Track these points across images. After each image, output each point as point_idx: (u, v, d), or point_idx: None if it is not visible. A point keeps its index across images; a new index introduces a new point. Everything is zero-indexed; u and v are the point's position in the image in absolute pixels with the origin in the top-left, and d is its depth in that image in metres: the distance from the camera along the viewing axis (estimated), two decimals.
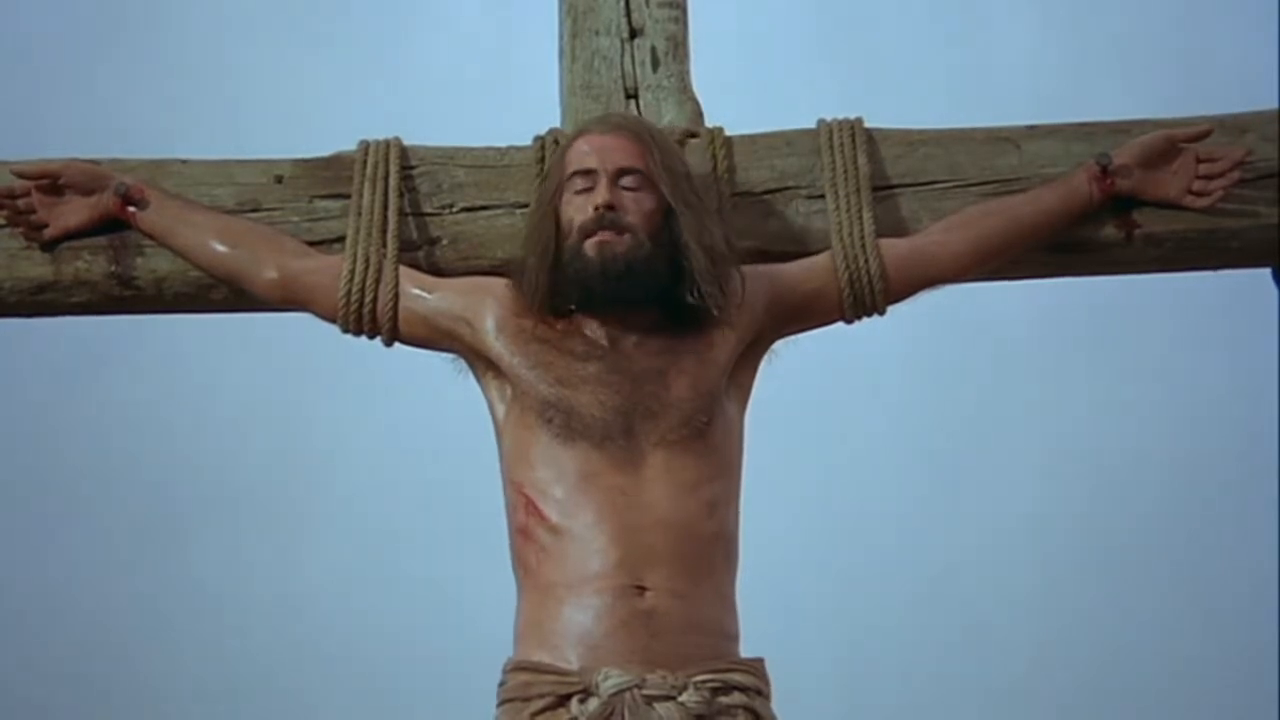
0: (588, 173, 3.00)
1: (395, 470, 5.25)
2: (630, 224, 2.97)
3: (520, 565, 2.96)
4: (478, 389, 3.10)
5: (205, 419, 5.26)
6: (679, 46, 3.39)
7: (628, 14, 3.39)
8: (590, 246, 2.97)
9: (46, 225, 3.20)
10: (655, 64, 3.37)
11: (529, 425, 2.97)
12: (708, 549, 2.93)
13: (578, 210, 3.00)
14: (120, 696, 5.16)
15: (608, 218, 2.97)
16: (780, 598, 4.74)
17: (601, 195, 2.97)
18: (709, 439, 2.96)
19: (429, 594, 5.17)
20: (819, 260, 3.16)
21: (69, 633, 5.16)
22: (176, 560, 5.22)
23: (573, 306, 3.01)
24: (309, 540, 5.23)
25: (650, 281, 2.97)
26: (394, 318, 3.10)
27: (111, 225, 3.21)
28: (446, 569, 5.13)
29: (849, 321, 3.17)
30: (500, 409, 3.04)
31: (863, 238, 3.16)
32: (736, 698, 2.85)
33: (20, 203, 3.20)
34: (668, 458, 2.92)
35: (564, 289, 2.99)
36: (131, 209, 3.19)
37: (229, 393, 5.26)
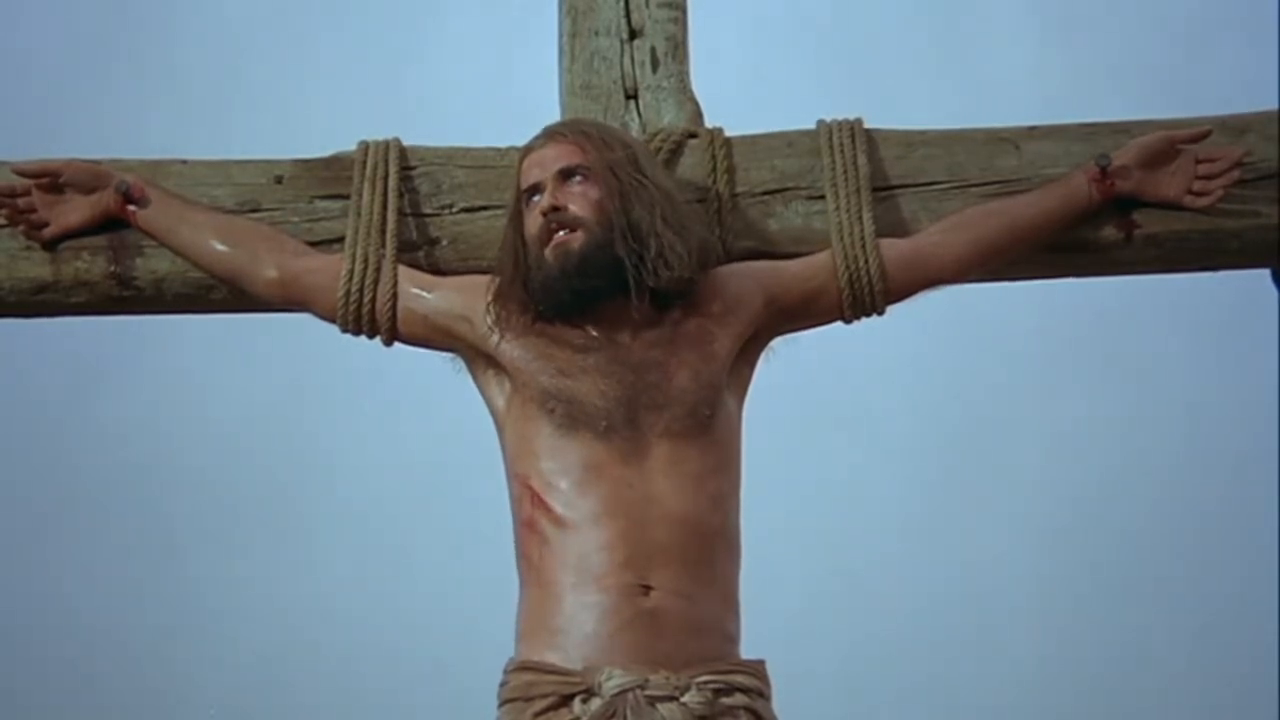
0: (535, 187, 3.04)
1: (397, 477, 5.25)
2: (579, 217, 3.00)
3: (523, 559, 2.96)
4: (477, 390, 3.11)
5: (207, 427, 5.26)
6: (679, 47, 3.39)
7: (627, 14, 3.39)
8: (549, 252, 3.00)
9: (47, 224, 3.20)
10: (655, 64, 3.37)
11: (531, 417, 2.97)
12: (712, 546, 2.93)
13: (532, 223, 3.04)
14: (121, 703, 5.16)
15: (554, 219, 3.00)
16: (781, 599, 4.73)
17: (546, 201, 3.01)
18: (712, 431, 2.96)
19: (431, 598, 5.17)
20: (819, 259, 3.17)
21: (69, 642, 5.16)
22: (178, 568, 5.22)
23: (552, 319, 3.01)
24: (311, 548, 5.23)
25: (609, 268, 2.98)
26: (393, 317, 3.11)
27: (111, 225, 3.21)
28: (448, 574, 5.12)
29: (848, 321, 3.17)
30: (500, 404, 3.05)
31: (862, 238, 3.16)
32: (739, 699, 2.85)
33: (20, 201, 3.20)
34: (672, 449, 2.93)
35: (536, 300, 3.00)
36: (132, 207, 3.20)
37: (231, 401, 5.26)
